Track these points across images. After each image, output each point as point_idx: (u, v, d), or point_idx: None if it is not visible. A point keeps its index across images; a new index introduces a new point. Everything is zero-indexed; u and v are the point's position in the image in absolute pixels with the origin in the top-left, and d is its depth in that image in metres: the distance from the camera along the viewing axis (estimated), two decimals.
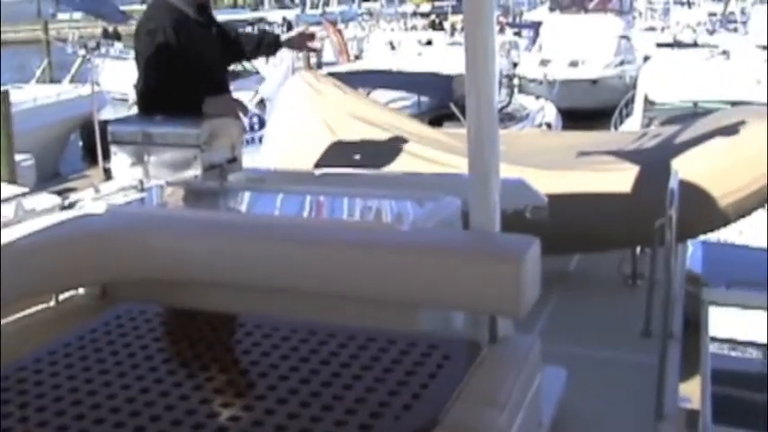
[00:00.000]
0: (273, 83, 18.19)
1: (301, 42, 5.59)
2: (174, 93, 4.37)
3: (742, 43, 22.40)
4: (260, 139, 9.16)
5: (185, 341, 2.76)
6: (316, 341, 2.64)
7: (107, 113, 16.39)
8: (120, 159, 4.05)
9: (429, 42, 28.57)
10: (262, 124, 12.34)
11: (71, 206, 3.67)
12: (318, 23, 31.78)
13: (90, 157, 16.15)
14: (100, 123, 14.47)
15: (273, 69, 19.86)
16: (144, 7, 5.40)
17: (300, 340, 2.65)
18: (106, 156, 5.34)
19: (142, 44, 4.63)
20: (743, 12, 36.04)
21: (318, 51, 16.23)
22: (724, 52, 16.57)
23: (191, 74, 4.50)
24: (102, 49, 26.04)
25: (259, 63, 20.59)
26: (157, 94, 4.47)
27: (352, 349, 2.57)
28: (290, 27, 29.91)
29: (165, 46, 4.50)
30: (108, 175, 4.53)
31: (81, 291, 3.37)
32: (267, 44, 5.35)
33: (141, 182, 3.98)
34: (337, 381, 2.39)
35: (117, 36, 29.95)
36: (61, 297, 3.32)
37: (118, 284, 3.26)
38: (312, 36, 5.63)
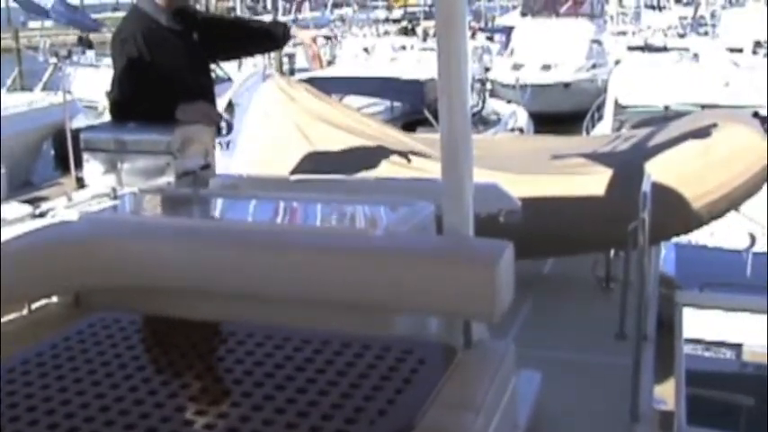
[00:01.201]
0: (243, 87, 18.14)
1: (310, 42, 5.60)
2: (146, 101, 4.36)
3: (712, 46, 22.55)
4: (227, 144, 9.12)
5: (159, 349, 2.75)
6: (290, 347, 2.63)
7: (79, 121, 16.29)
8: (92, 167, 4.03)
9: (402, 48, 28.60)
10: (230, 129, 12.31)
11: (43, 215, 3.65)
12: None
13: (62, 165, 16.05)
14: (72, 131, 14.38)
15: (245, 74, 19.81)
16: (116, 14, 5.36)
17: (275, 347, 2.65)
18: (78, 164, 5.32)
19: (116, 53, 4.64)
20: (713, 15, 36.27)
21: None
22: (694, 55, 16.68)
23: (163, 82, 4.48)
24: (74, 57, 25.91)
25: (231, 69, 20.51)
26: (130, 101, 4.46)
27: (327, 355, 2.57)
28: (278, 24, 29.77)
29: (135, 55, 4.49)
30: (81, 183, 4.51)
31: (54, 299, 3.35)
32: (273, 36, 5.24)
33: (114, 189, 3.96)
34: (312, 387, 2.38)
35: (89, 44, 29.83)
36: (34, 306, 3.30)
37: (91, 292, 3.25)
38: (314, 40, 5.66)
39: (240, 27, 5.47)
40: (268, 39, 5.25)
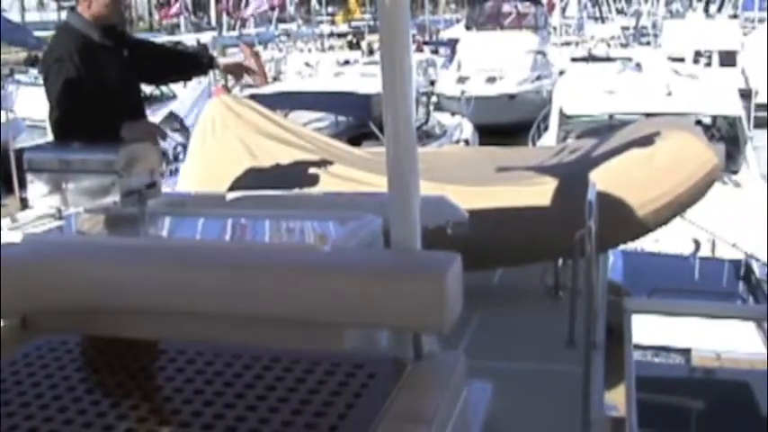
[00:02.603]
0: (187, 103, 18.04)
1: (238, 71, 5.60)
2: (85, 119, 4.34)
3: (654, 56, 22.86)
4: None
5: (108, 370, 2.72)
6: (240, 365, 2.62)
7: (23, 141, 16.12)
8: (36, 187, 3.99)
9: (346, 62, 28.69)
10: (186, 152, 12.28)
11: None
12: (236, 45, 31.75)
13: (6, 186, 15.88)
14: (15, 151, 14.24)
15: (191, 92, 19.76)
16: None
17: (225, 364, 2.63)
18: (22, 184, 5.28)
19: (50, 73, 4.61)
20: (654, 25, 36.79)
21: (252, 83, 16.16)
22: (637, 65, 16.88)
23: (100, 99, 4.47)
24: (17, 76, 25.67)
25: (176, 86, 20.42)
26: (69, 121, 4.43)
27: (277, 371, 2.56)
28: (205, 50, 29.78)
29: (72, 73, 4.47)
30: (24, 203, 4.47)
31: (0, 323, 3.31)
32: (201, 64, 5.30)
33: (59, 210, 3.92)
34: (263, 404, 2.37)
35: (32, 62, 29.58)
36: None
37: (38, 315, 3.21)
38: (249, 70, 5.66)
39: (166, 53, 5.49)
40: (193, 67, 5.33)
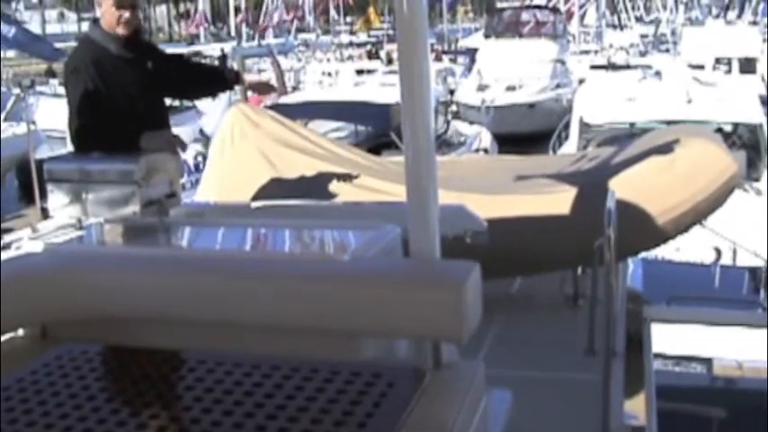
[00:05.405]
0: (214, 117, 18.11)
1: (263, 88, 5.62)
2: (103, 129, 4.35)
3: (674, 64, 22.77)
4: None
5: (128, 379, 2.73)
6: (259, 374, 2.62)
7: (43, 152, 16.21)
8: (57, 198, 4.02)
9: (361, 72, 28.73)
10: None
11: (8, 246, 3.63)
12: (256, 56, 31.80)
13: (27, 196, 15.96)
14: (36, 162, 14.32)
15: (212, 104, 19.82)
16: None
17: (244, 374, 2.64)
18: (43, 195, 5.31)
19: (68, 84, 4.64)
20: (673, 33, 36.66)
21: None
22: (657, 73, 16.79)
23: (118, 110, 4.48)
24: (38, 87, 25.80)
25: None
26: (87, 131, 4.45)
27: (296, 381, 2.56)
28: (224, 59, 29.85)
29: (87, 85, 4.49)
30: (45, 214, 4.49)
31: (20, 332, 3.32)
32: (227, 80, 5.29)
33: (79, 220, 3.94)
34: (282, 413, 2.38)
35: (52, 74, 29.73)
36: None
37: (58, 324, 3.22)
38: (273, 88, 5.68)
39: (193, 68, 5.49)
40: (219, 83, 5.32)
